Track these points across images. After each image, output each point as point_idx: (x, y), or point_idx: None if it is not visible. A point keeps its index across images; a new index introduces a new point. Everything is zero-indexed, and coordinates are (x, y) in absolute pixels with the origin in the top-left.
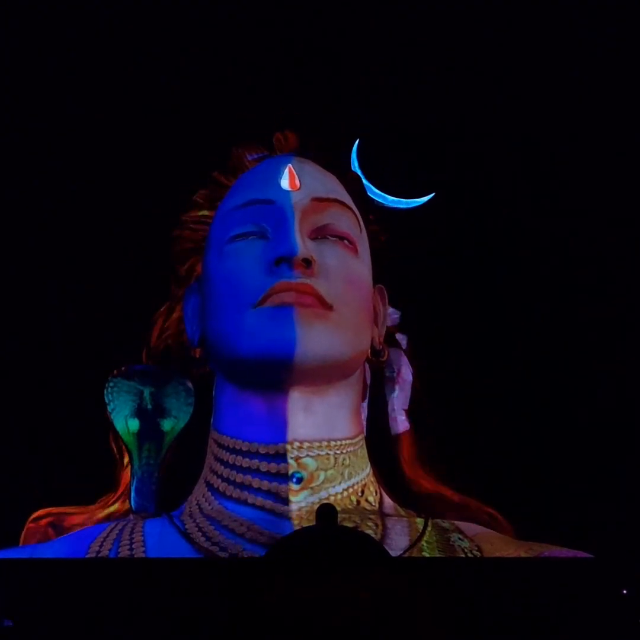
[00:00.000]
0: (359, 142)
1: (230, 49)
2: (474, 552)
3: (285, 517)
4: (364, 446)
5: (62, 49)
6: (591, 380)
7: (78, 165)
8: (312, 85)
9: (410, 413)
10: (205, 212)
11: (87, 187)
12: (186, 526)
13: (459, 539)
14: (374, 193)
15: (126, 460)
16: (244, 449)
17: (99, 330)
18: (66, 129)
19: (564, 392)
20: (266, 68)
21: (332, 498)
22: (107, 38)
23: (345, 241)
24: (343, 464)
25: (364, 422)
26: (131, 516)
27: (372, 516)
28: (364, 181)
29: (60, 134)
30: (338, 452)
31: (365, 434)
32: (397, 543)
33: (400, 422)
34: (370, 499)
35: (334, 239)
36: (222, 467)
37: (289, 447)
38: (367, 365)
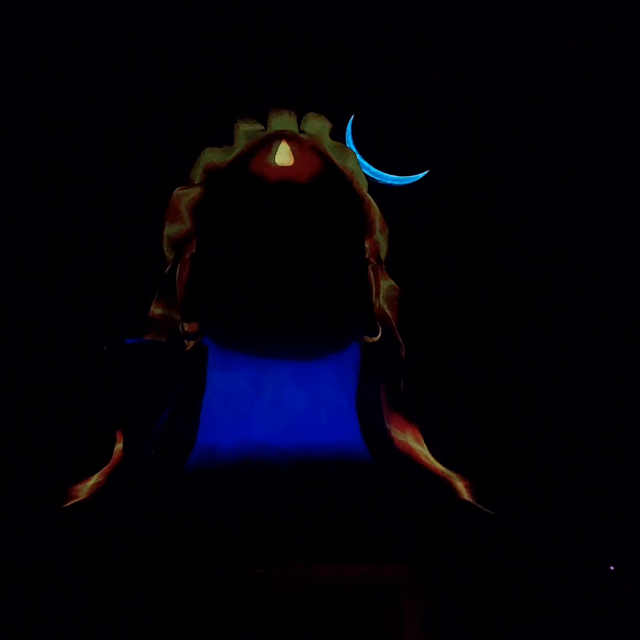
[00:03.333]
0: (353, 118)
1: (222, 30)
2: None
3: None
4: None
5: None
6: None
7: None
8: (308, 63)
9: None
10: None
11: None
12: None
13: None
14: (369, 170)
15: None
16: None
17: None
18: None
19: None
20: (260, 46)
21: None
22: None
23: None
24: None
25: None
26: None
27: None
28: (359, 157)
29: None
30: None
31: None
32: None
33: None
34: None
35: None
36: None
37: None
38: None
